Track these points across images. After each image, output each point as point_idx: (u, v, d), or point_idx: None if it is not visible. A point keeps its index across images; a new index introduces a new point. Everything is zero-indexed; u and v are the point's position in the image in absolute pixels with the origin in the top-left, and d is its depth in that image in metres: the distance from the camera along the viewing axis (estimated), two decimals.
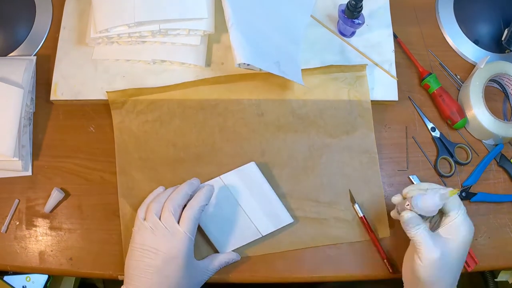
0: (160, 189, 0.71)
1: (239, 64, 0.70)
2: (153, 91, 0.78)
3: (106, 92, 0.77)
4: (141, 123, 0.77)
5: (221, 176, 0.73)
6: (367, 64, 0.79)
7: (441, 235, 0.62)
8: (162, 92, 0.78)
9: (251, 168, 0.74)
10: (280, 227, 0.72)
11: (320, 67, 0.79)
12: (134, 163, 0.76)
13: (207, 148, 0.77)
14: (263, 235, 0.71)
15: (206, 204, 0.66)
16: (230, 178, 0.73)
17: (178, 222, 0.63)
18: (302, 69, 0.77)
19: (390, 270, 0.73)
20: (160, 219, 0.63)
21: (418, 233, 0.60)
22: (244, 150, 0.77)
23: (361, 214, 0.75)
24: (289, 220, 0.72)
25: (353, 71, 0.79)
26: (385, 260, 0.73)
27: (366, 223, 0.74)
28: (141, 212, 0.65)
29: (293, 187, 0.76)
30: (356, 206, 0.75)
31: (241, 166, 0.74)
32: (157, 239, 0.62)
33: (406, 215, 0.61)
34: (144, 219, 0.64)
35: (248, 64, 0.69)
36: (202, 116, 0.78)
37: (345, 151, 0.77)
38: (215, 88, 0.79)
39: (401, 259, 0.74)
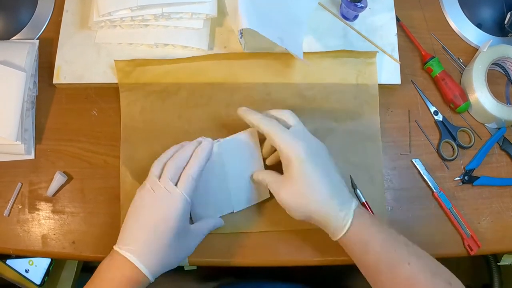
0: (173, 147, 0.66)
1: (241, 33, 0.70)
2: (162, 62, 0.77)
3: (114, 60, 0.76)
4: (148, 93, 0.77)
5: (216, 141, 0.67)
6: (377, 52, 0.78)
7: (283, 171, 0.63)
8: (171, 64, 0.78)
9: (250, 137, 0.70)
10: (254, 203, 0.72)
11: (330, 51, 0.79)
12: (138, 132, 0.76)
13: (212, 122, 0.77)
14: (235, 211, 0.71)
15: (205, 164, 0.63)
16: (225, 145, 0.69)
17: (177, 183, 0.61)
18: (312, 52, 0.78)
19: None
20: (159, 179, 0.61)
21: (268, 183, 0.66)
22: (249, 127, 0.76)
23: (363, 200, 0.75)
24: (266, 195, 0.72)
25: (363, 58, 0.78)
26: None
27: (368, 209, 0.74)
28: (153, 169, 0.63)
29: None
30: (358, 191, 0.75)
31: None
32: (155, 198, 0.60)
33: (255, 175, 0.69)
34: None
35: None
36: (210, 90, 0.78)
37: (349, 136, 0.77)
38: (224, 63, 0.78)
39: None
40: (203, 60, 0.78)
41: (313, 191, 0.60)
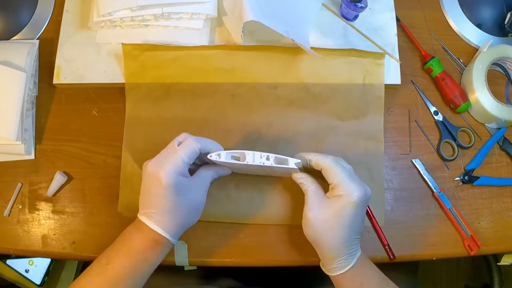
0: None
1: (242, 29, 0.70)
2: (168, 49, 0.77)
3: (122, 44, 0.76)
4: (154, 77, 0.77)
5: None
6: (385, 54, 0.78)
7: (328, 197, 0.64)
8: (178, 50, 0.78)
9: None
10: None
11: (340, 49, 0.78)
12: (142, 118, 0.76)
13: (216, 112, 0.77)
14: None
15: (211, 147, 0.64)
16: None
17: None
18: (321, 48, 0.78)
19: (392, 256, 0.73)
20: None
21: (307, 192, 0.64)
22: (252, 119, 0.77)
23: None
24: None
25: (372, 58, 0.78)
26: (386, 246, 0.74)
27: (368, 209, 0.74)
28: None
29: None
30: None
31: (246, 137, 0.75)
32: (156, 159, 0.62)
33: (300, 176, 0.66)
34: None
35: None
36: (216, 79, 0.77)
37: (351, 135, 0.77)
38: (231, 54, 0.78)
39: (399, 245, 0.74)
40: (210, 50, 0.78)
41: (341, 233, 0.62)
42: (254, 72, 0.78)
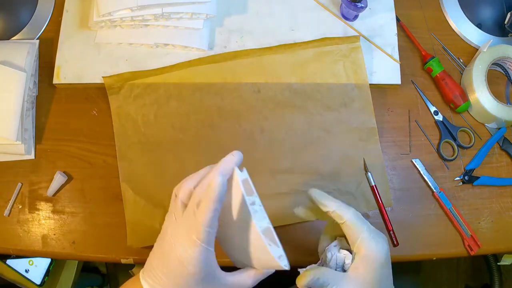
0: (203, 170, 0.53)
1: None
2: (149, 74, 0.78)
3: (102, 77, 0.76)
4: (139, 107, 0.77)
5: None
6: (360, 35, 0.79)
7: (351, 270, 0.55)
8: (158, 75, 0.78)
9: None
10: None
11: (314, 40, 0.79)
12: (134, 147, 0.76)
13: (205, 128, 0.77)
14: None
15: (218, 204, 0.48)
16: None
17: None
18: (295, 43, 0.79)
19: (395, 242, 0.73)
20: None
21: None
22: (243, 128, 0.77)
23: (372, 183, 0.75)
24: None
25: (347, 43, 0.79)
26: (391, 232, 0.74)
27: (376, 192, 0.74)
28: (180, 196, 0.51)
29: (294, 162, 0.76)
30: (369, 174, 0.75)
31: (240, 146, 0.73)
32: (177, 229, 0.50)
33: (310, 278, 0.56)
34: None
35: None
36: (199, 96, 0.77)
37: (344, 122, 0.77)
38: (211, 67, 0.78)
39: (399, 245, 0.74)
40: (189, 66, 0.78)
41: None
42: (235, 81, 0.78)
